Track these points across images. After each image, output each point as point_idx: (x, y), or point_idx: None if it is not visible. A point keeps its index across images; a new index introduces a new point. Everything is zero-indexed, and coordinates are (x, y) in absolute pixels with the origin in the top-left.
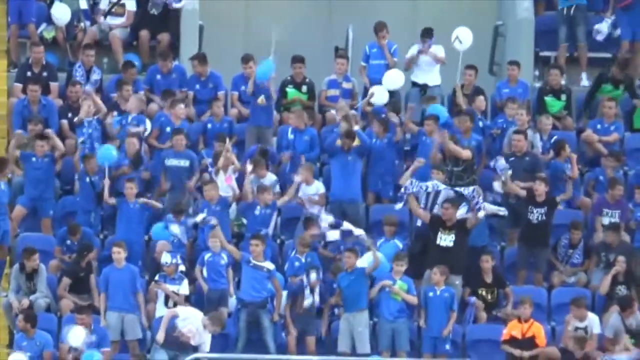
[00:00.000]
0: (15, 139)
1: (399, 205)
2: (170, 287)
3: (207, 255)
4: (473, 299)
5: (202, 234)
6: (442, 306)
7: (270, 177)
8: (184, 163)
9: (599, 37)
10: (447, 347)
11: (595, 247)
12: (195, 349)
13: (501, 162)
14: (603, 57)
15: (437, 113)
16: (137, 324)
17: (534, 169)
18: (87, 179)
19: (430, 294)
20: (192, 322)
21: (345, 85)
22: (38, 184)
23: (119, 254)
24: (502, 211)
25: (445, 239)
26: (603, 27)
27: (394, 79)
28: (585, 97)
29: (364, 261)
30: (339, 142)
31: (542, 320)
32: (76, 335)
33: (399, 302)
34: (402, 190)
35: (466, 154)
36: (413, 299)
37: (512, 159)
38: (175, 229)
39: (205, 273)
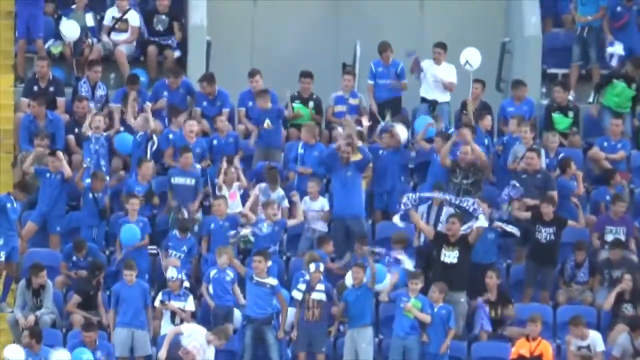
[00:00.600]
0: (34, 155)
1: (396, 219)
2: (176, 304)
3: (212, 272)
4: (481, 300)
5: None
6: (440, 323)
7: (278, 192)
8: (190, 182)
9: (613, 61)
10: None
11: (599, 265)
12: None
13: (517, 189)
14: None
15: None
16: (146, 340)
17: (545, 187)
18: (91, 195)
19: (428, 311)
20: (196, 338)
21: (352, 101)
22: (50, 200)
23: (131, 275)
24: (516, 231)
25: (450, 255)
26: (618, 50)
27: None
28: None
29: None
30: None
31: (547, 337)
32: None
33: (410, 319)
34: (402, 205)
35: (484, 157)
36: (426, 318)
37: (525, 176)
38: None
39: (211, 290)
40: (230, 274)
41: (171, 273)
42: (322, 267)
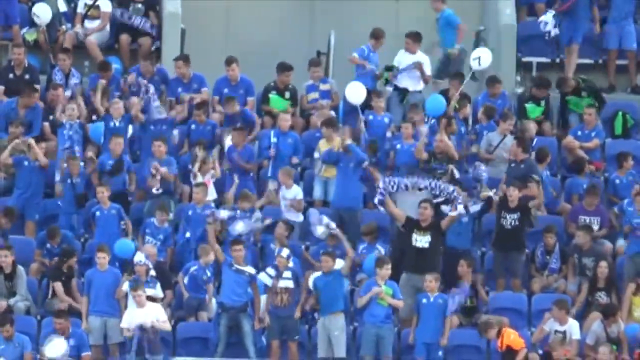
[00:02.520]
0: (11, 147)
1: (377, 201)
2: (147, 292)
3: (192, 268)
4: (454, 290)
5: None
6: (437, 313)
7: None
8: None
9: (544, 28)
10: (440, 353)
11: (569, 251)
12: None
13: (481, 168)
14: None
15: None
16: (119, 328)
17: (526, 176)
18: (69, 181)
19: (424, 300)
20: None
21: (323, 87)
22: (28, 187)
23: (104, 258)
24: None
25: (421, 240)
26: (548, 18)
27: (356, 93)
28: (558, 111)
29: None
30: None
31: (522, 326)
32: (55, 348)
33: (385, 308)
34: (380, 189)
35: (453, 150)
36: (399, 303)
37: (513, 165)
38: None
39: (185, 281)
40: (208, 274)
41: (139, 257)
42: (285, 252)
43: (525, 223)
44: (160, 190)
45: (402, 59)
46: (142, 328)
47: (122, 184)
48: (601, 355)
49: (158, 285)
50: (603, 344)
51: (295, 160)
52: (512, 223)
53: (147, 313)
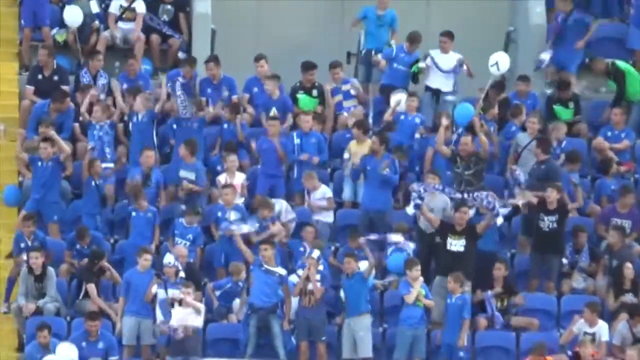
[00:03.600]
0: (23, 143)
1: (410, 209)
2: (174, 293)
3: (227, 286)
4: (489, 293)
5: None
6: (457, 313)
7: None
8: (191, 175)
9: (541, 65)
10: (462, 354)
11: (600, 252)
12: (201, 351)
13: (517, 172)
14: None
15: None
16: (151, 329)
17: (547, 178)
18: (93, 183)
19: (448, 301)
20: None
21: (344, 87)
22: (42, 188)
23: (146, 260)
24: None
25: (456, 244)
26: (545, 57)
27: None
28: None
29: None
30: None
31: (551, 327)
32: (64, 355)
33: (421, 309)
34: (414, 194)
35: (487, 146)
36: (431, 303)
37: (535, 166)
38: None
39: (217, 294)
40: (240, 285)
41: (168, 259)
42: (316, 253)
43: (564, 225)
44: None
45: (438, 59)
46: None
47: (149, 200)
48: (628, 358)
49: (172, 290)
50: (631, 346)
51: (315, 160)
52: (550, 225)
53: (190, 314)
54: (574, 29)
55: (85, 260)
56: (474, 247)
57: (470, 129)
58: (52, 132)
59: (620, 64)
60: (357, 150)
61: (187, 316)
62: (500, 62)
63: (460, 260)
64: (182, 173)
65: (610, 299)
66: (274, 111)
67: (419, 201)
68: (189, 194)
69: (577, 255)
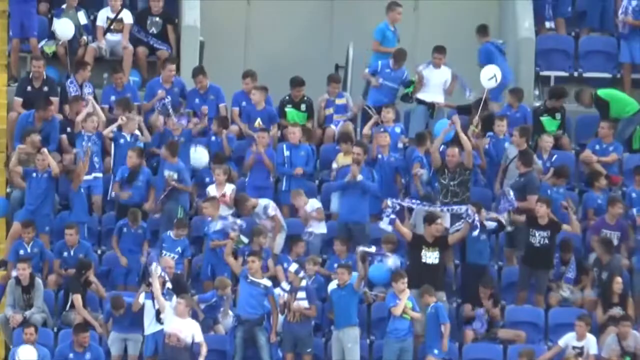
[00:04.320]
0: (16, 154)
1: (384, 224)
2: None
3: (212, 300)
4: (481, 310)
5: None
6: (434, 322)
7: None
8: (174, 174)
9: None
10: (435, 351)
11: (588, 265)
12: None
13: (511, 196)
14: (600, 77)
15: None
16: (140, 341)
17: (524, 190)
18: (81, 190)
19: (417, 309)
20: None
21: (338, 101)
22: (37, 199)
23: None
24: (507, 223)
25: (430, 256)
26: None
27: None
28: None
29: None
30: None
31: (538, 340)
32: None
33: (408, 321)
34: (388, 209)
35: (470, 147)
36: (418, 316)
37: (517, 178)
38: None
39: (202, 306)
40: (221, 304)
41: (157, 270)
42: (293, 267)
43: (555, 241)
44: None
45: (430, 74)
46: (170, 337)
47: (137, 196)
48: None
49: (174, 297)
50: (618, 356)
51: (299, 170)
52: (542, 241)
53: (186, 327)
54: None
55: (72, 270)
56: (447, 259)
57: (456, 140)
58: (45, 150)
59: (603, 93)
60: (344, 162)
61: (183, 327)
62: (497, 75)
63: (435, 271)
64: (166, 172)
65: (598, 313)
66: (258, 121)
67: (393, 216)
68: (172, 189)
69: (563, 267)
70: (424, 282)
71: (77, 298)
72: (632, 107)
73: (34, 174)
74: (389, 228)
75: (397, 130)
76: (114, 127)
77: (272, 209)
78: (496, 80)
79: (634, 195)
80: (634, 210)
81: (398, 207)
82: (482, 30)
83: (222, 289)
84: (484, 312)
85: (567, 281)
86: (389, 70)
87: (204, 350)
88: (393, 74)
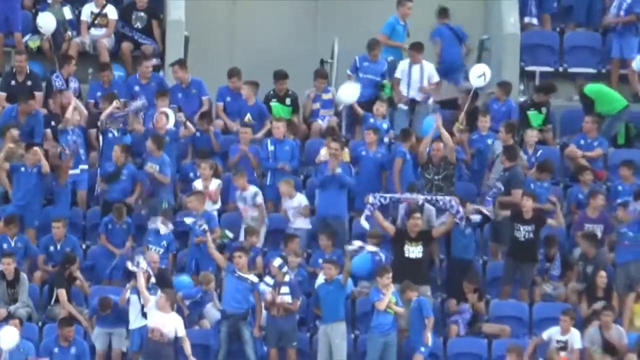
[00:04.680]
0: (5, 151)
1: (363, 221)
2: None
3: (197, 296)
4: (466, 306)
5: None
6: (418, 316)
7: (251, 190)
8: (156, 167)
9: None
10: (422, 349)
11: (574, 258)
12: (175, 356)
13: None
14: (585, 72)
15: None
16: (124, 336)
17: (509, 184)
18: (70, 186)
19: (400, 304)
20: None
21: (325, 96)
22: (26, 194)
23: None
24: (491, 214)
25: (414, 251)
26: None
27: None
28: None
29: None
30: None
31: (523, 334)
32: (8, 339)
33: (391, 316)
34: (369, 205)
35: (451, 143)
36: (402, 310)
37: (502, 173)
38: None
39: (187, 303)
40: (206, 299)
41: (142, 264)
42: (277, 261)
43: (539, 235)
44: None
45: (406, 69)
46: (153, 332)
47: (121, 191)
48: None
49: (159, 292)
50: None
51: (287, 167)
52: (527, 235)
53: (169, 321)
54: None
55: (56, 267)
56: (431, 252)
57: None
58: (37, 149)
59: (588, 90)
60: (327, 156)
61: (165, 322)
62: (486, 73)
63: (419, 266)
64: (148, 165)
65: (583, 307)
66: (248, 117)
67: (368, 213)
68: (153, 183)
69: (548, 264)
70: (408, 277)
71: (62, 293)
72: (619, 104)
73: (23, 169)
74: (366, 225)
75: (385, 126)
76: (109, 110)
77: (260, 198)
78: (485, 79)
79: (620, 188)
80: (618, 201)
81: (383, 202)
82: (442, 12)
83: (206, 284)
84: (468, 307)
85: (552, 278)
86: (367, 64)
87: (187, 346)
88: (372, 66)
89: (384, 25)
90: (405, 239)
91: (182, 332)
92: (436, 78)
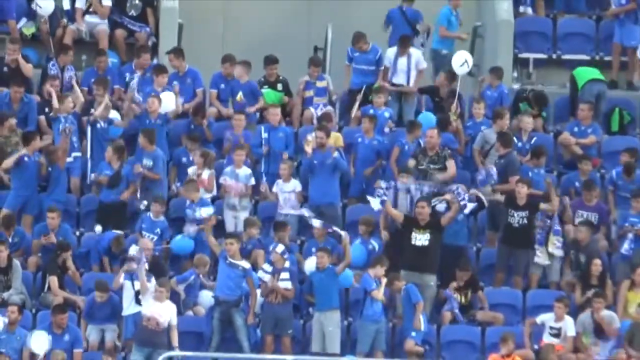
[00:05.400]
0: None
1: (375, 203)
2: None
3: (191, 278)
4: (448, 292)
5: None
6: (408, 303)
7: (245, 171)
8: (149, 163)
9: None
10: (413, 334)
11: (567, 245)
12: (168, 344)
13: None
14: (579, 59)
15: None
16: (116, 331)
17: (505, 172)
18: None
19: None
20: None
21: (319, 84)
22: (30, 183)
23: (101, 297)
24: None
25: (421, 239)
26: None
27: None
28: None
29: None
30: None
31: (516, 322)
32: (40, 342)
33: (381, 303)
34: (380, 190)
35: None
36: (384, 299)
37: (497, 160)
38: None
39: (182, 287)
40: (198, 283)
41: (133, 250)
42: (280, 248)
43: (533, 221)
44: (144, 206)
45: (392, 58)
46: (149, 321)
47: (117, 193)
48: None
49: (153, 279)
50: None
51: (285, 156)
52: (520, 221)
53: (165, 310)
54: None
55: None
56: (439, 241)
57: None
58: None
59: (576, 71)
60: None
61: (162, 311)
62: (468, 60)
63: (426, 254)
64: (136, 166)
65: (577, 294)
66: (240, 95)
67: (385, 197)
68: (145, 180)
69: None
70: (415, 264)
71: (53, 280)
72: (591, 74)
73: (26, 158)
74: (379, 207)
75: (386, 114)
76: (101, 108)
77: (253, 180)
78: (468, 66)
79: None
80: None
81: (391, 188)
82: None
83: (201, 266)
84: (452, 293)
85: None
86: (359, 54)
87: (175, 335)
88: (364, 56)
89: (439, 17)
90: (413, 227)
91: (174, 321)
92: (424, 64)
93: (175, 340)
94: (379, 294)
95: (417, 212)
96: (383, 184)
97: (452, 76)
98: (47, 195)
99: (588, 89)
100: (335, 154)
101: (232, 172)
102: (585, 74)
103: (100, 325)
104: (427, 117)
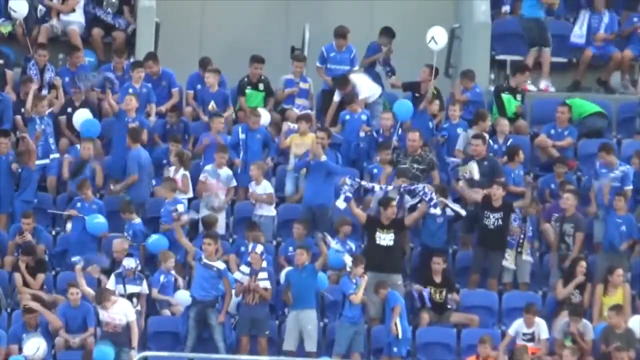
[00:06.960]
0: None
1: (341, 203)
2: (133, 289)
3: (161, 278)
4: (415, 287)
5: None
6: (388, 311)
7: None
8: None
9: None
10: (395, 349)
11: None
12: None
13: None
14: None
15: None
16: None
17: (492, 174)
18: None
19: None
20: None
21: (303, 85)
22: (5, 182)
23: (77, 294)
24: (462, 211)
25: (385, 238)
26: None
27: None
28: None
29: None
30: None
31: (492, 324)
32: (34, 347)
33: (359, 305)
34: (345, 187)
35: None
36: (365, 299)
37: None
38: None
39: (157, 289)
40: (172, 280)
41: (129, 263)
42: (259, 248)
43: (508, 223)
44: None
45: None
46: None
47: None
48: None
49: (144, 281)
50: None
51: (268, 161)
52: (496, 223)
53: (118, 310)
54: None
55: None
56: (403, 240)
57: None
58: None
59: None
60: (300, 142)
61: (114, 313)
62: (436, 36)
63: (391, 254)
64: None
65: (559, 287)
66: (212, 105)
67: (349, 195)
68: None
69: (523, 224)
70: (380, 264)
71: (17, 276)
72: (589, 109)
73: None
74: (343, 205)
75: (363, 117)
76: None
77: (235, 182)
78: (436, 42)
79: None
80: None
81: (356, 186)
82: None
83: (165, 261)
84: (416, 290)
85: (530, 239)
86: (334, 54)
87: (135, 334)
88: (339, 56)
89: None
90: (376, 227)
91: (132, 317)
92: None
93: (134, 341)
94: (357, 298)
95: (389, 212)
96: (348, 180)
97: (436, 72)
98: (17, 196)
99: (591, 122)
100: (324, 158)
101: (214, 171)
102: (587, 107)
103: (76, 334)
104: (404, 105)
